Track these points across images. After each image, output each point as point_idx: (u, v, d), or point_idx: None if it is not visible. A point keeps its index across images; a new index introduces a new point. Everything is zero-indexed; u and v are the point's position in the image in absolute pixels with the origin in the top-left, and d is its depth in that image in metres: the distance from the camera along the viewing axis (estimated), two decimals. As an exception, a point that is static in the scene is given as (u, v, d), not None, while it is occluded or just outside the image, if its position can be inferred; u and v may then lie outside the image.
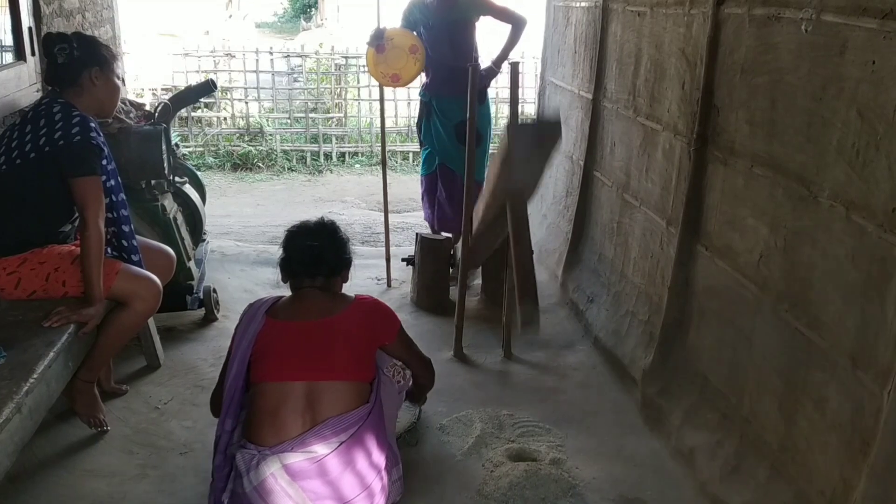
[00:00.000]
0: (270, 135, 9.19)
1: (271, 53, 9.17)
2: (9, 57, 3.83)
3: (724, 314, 3.00)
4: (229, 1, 11.63)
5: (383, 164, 5.01)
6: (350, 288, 5.00)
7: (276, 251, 5.57)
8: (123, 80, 4.73)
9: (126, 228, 3.22)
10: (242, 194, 8.42)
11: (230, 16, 11.06)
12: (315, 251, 2.73)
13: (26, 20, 3.84)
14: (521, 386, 3.79)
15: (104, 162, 3.06)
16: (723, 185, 3.02)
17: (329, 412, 2.49)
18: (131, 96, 9.13)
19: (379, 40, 4.51)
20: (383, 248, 5.18)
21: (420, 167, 5.21)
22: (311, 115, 9.31)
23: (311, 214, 6.81)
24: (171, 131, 4.67)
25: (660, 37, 3.56)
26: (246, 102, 9.28)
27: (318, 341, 2.58)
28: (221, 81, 9.25)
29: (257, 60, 9.10)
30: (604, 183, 4.32)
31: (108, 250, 3.24)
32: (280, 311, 2.68)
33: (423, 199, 5.34)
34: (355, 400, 2.55)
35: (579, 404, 3.61)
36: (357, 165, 9.30)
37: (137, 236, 3.54)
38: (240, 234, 7.01)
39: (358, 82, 9.56)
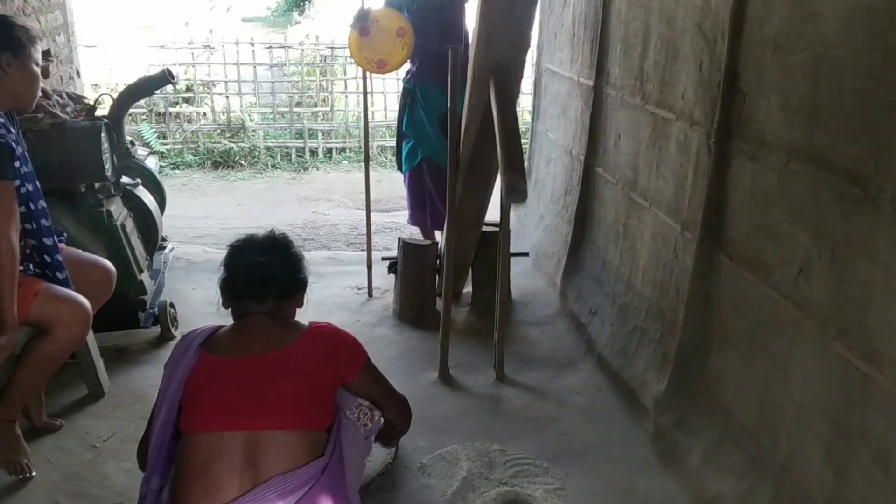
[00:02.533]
0: (253, 131, 8.70)
1: (252, 45, 8.67)
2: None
3: (753, 338, 2.53)
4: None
5: (366, 159, 4.54)
6: (328, 298, 4.59)
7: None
8: (46, 67, 4.25)
9: (48, 241, 2.75)
10: (223, 194, 7.94)
11: (212, 7, 10.57)
12: (263, 268, 2.25)
13: (-55, 1, 3.36)
14: (515, 414, 3.31)
15: (16, 164, 2.58)
16: (751, 184, 2.54)
17: (274, 469, 2.02)
18: (105, 90, 8.67)
19: (363, 22, 4.03)
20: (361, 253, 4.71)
21: (403, 163, 4.72)
22: (295, 109, 8.81)
23: (296, 214, 6.33)
24: (126, 126, 4.21)
25: (672, 11, 3.08)
26: (227, 97, 8.79)
27: (261, 381, 2.10)
28: (201, 75, 8.76)
29: (237, 52, 8.59)
30: (607, 180, 3.84)
31: (30, 267, 2.77)
32: (218, 343, 2.21)
33: (407, 198, 4.86)
34: (307, 452, 2.08)
35: (582, 436, 3.14)
36: (344, 162, 8.81)
37: (70, 248, 3.08)
38: (216, 236, 6.54)
39: (345, 74, 9.07)
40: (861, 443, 2.00)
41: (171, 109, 8.62)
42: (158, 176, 4.39)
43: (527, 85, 8.60)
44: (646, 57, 3.35)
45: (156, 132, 8.49)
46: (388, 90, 8.80)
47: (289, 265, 2.30)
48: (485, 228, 4.16)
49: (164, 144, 8.48)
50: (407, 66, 4.46)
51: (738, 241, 2.62)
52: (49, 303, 2.68)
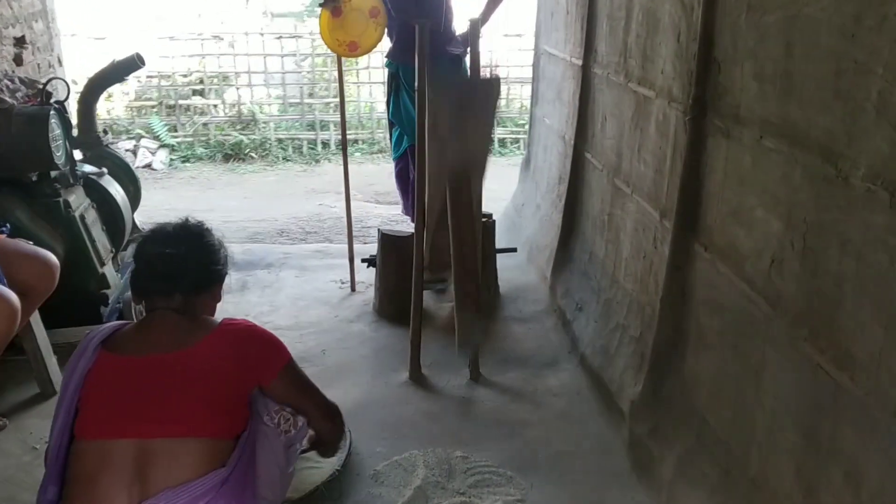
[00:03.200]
0: (265, 123, 8.54)
1: (262, 35, 8.51)
2: None
3: (726, 337, 2.25)
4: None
5: (343, 147, 4.35)
6: (309, 293, 4.37)
7: (239, 250, 4.99)
8: (19, 54, 4.12)
9: None
10: (231, 187, 7.81)
11: (248, 5, 10.43)
12: (169, 261, 2.04)
13: None
14: (485, 417, 3.07)
15: None
16: (725, 165, 2.27)
17: (166, 481, 1.81)
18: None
19: (335, 1, 3.81)
20: (366, 245, 4.50)
21: (392, 151, 4.51)
22: (307, 100, 8.64)
23: (301, 207, 6.13)
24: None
25: (652, -21, 2.81)
26: (237, 88, 8.64)
27: (159, 384, 1.89)
28: (211, 66, 8.63)
29: (247, 43, 8.44)
30: (594, 166, 3.57)
31: None
32: (119, 341, 2.00)
33: (397, 187, 4.65)
34: (206, 463, 1.86)
35: (554, 442, 2.89)
36: (357, 154, 8.61)
37: (9, 240, 2.92)
38: (218, 230, 6.35)
39: (357, 64, 8.86)
40: (832, 458, 1.72)
41: (181, 102, 8.50)
42: (133, 167, 4.20)
43: (526, 71, 8.34)
44: (629, 31, 3.08)
45: (166, 125, 8.38)
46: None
47: (200, 256, 2.08)
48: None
49: (175, 137, 8.38)
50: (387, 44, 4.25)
51: (714, 228, 2.35)
52: None
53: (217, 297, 2.17)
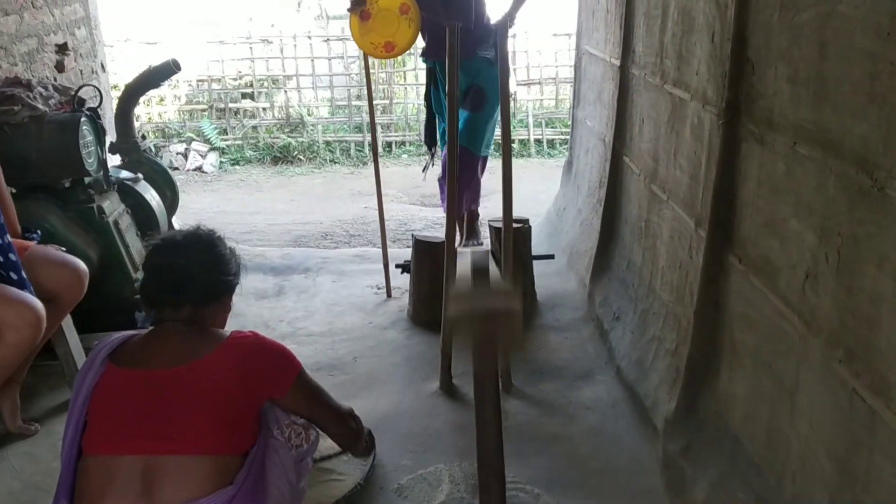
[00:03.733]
0: (312, 125, 8.57)
1: (310, 38, 8.54)
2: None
3: (760, 355, 2.13)
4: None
5: (374, 151, 4.29)
6: (345, 298, 4.33)
7: (279, 254, 4.99)
8: (61, 61, 4.16)
9: (4, 239, 2.59)
10: (279, 189, 7.85)
11: (299, 8, 10.50)
12: (177, 270, 2.01)
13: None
14: (515, 431, 2.97)
15: None
16: (759, 172, 2.14)
17: (173, 499, 1.78)
18: (166, 88, 8.71)
19: (361, 5, 3.75)
20: (408, 250, 4.44)
21: (439, 142, 4.46)
22: (355, 102, 8.64)
23: (346, 209, 6.12)
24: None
25: (687, -25, 2.69)
26: (286, 91, 8.70)
27: (166, 398, 1.86)
28: (260, 70, 8.69)
29: (295, 46, 8.49)
30: (632, 170, 3.45)
31: None
32: (127, 353, 1.97)
33: (439, 182, 4.59)
34: (213, 480, 1.83)
35: (586, 458, 2.78)
36: (404, 156, 8.59)
37: (39, 247, 2.94)
38: (263, 232, 6.44)
39: (404, 66, 8.84)
40: (866, 493, 1.60)
41: (231, 105, 8.58)
42: (170, 170, 4.22)
43: (564, 71, 8.20)
44: (665, 30, 2.96)
45: (217, 128, 8.47)
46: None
47: (209, 266, 2.03)
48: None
49: (225, 140, 8.46)
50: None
51: (748, 240, 2.22)
52: None
53: (227, 308, 2.13)
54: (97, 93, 3.37)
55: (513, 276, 3.21)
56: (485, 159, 4.45)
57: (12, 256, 2.63)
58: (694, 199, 2.61)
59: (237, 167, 8.34)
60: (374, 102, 8.65)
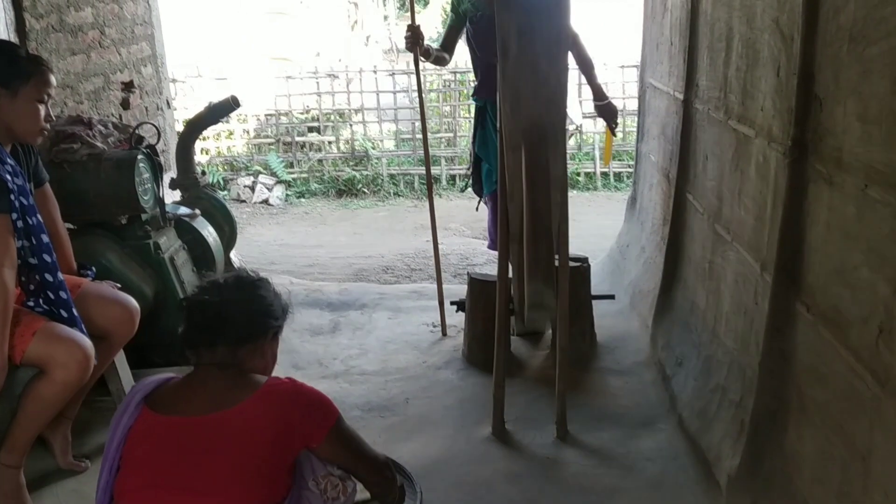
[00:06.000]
0: (377, 158, 8.61)
1: (375, 72, 8.60)
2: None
3: (830, 413, 1.97)
4: (354, 23, 11.24)
5: (429, 185, 4.25)
6: (399, 336, 4.24)
7: (336, 290, 4.96)
8: (126, 98, 4.23)
9: (50, 278, 2.61)
10: (343, 222, 7.89)
11: (363, 39, 10.67)
12: (210, 307, 1.96)
13: (3, 35, 3.37)
14: (570, 482, 2.84)
15: (11, 197, 2.45)
16: (828, 215, 1.99)
17: None
18: (235, 123, 8.88)
19: (417, 43, 3.78)
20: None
21: (483, 185, 4.40)
22: (419, 135, 8.66)
23: (408, 243, 6.12)
24: (193, 154, 4.13)
25: (751, 7, 2.56)
26: (350, 125, 8.77)
27: (198, 447, 1.81)
28: (326, 104, 8.79)
29: (360, 80, 8.56)
30: (696, 209, 3.30)
31: (39, 303, 2.65)
32: (163, 398, 1.92)
33: (489, 223, 4.54)
34: None
35: (644, 514, 2.63)
36: (469, 189, 8.53)
37: (93, 283, 2.96)
38: (324, 265, 6.46)
39: (469, 99, 8.81)
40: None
41: (298, 139, 8.69)
42: (229, 207, 4.23)
43: (632, 103, 8.04)
44: (729, 63, 2.83)
45: (283, 162, 8.58)
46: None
47: (243, 304, 1.97)
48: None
49: (291, 173, 8.56)
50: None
51: (816, 287, 2.07)
52: (46, 342, 2.54)
53: (266, 352, 2.03)
54: (155, 130, 3.40)
55: (567, 316, 3.07)
56: None
57: (63, 294, 2.64)
58: (759, 241, 2.47)
59: (302, 200, 8.42)
60: (439, 135, 8.73)
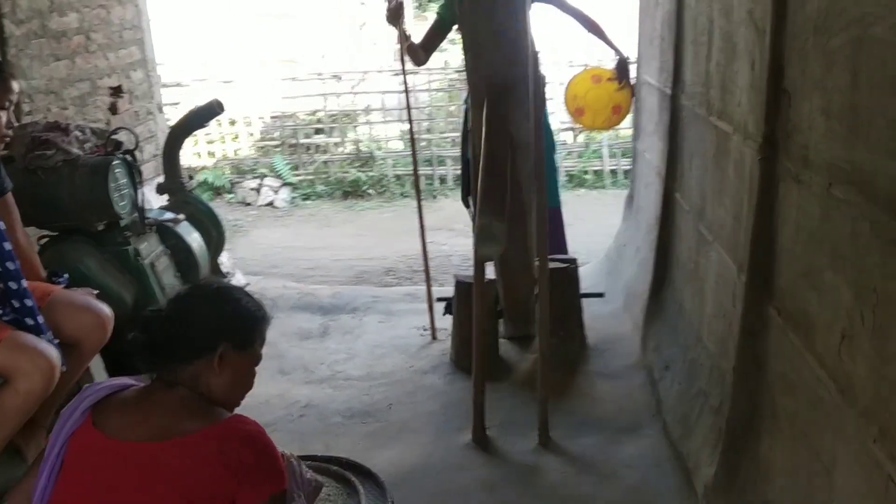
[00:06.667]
0: (382, 159, 8.56)
1: (380, 72, 8.56)
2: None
3: (797, 422, 1.88)
4: (362, 24, 11.19)
5: (416, 185, 4.19)
6: (389, 340, 4.12)
7: (329, 293, 4.91)
8: (114, 103, 4.21)
9: (14, 285, 2.56)
10: (347, 224, 7.84)
11: (371, 40, 10.60)
12: (153, 320, 1.88)
13: (-22, 41, 3.36)
14: (548, 490, 2.76)
15: None
16: (797, 215, 1.91)
17: None
18: (241, 125, 8.87)
19: (397, 19, 3.75)
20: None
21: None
22: (424, 135, 8.60)
23: (411, 245, 6.06)
24: (179, 159, 4.09)
25: (728, -1, 2.47)
26: (355, 127, 8.73)
27: (130, 479, 1.65)
28: (331, 105, 8.75)
29: (363, 81, 8.52)
30: (683, 208, 3.21)
31: (5, 310, 2.61)
32: (109, 412, 1.76)
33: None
34: None
35: (620, 524, 2.55)
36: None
37: (64, 291, 2.91)
38: (326, 268, 6.41)
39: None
40: None
41: (303, 141, 8.66)
42: (216, 211, 4.18)
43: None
44: (710, 57, 2.74)
45: (289, 164, 8.56)
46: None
47: (190, 317, 1.81)
48: (552, 265, 3.63)
49: (297, 175, 8.53)
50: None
51: (786, 291, 1.98)
52: (10, 351, 2.49)
53: (223, 371, 1.78)
54: (131, 136, 3.36)
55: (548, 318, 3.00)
56: (557, 211, 4.24)
57: (28, 302, 2.60)
58: (737, 242, 2.38)
59: (308, 202, 8.38)
60: (445, 135, 8.66)
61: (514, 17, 2.71)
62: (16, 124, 2.66)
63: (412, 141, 4.11)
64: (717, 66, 2.64)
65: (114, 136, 3.32)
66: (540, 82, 3.16)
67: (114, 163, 3.17)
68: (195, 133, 4.63)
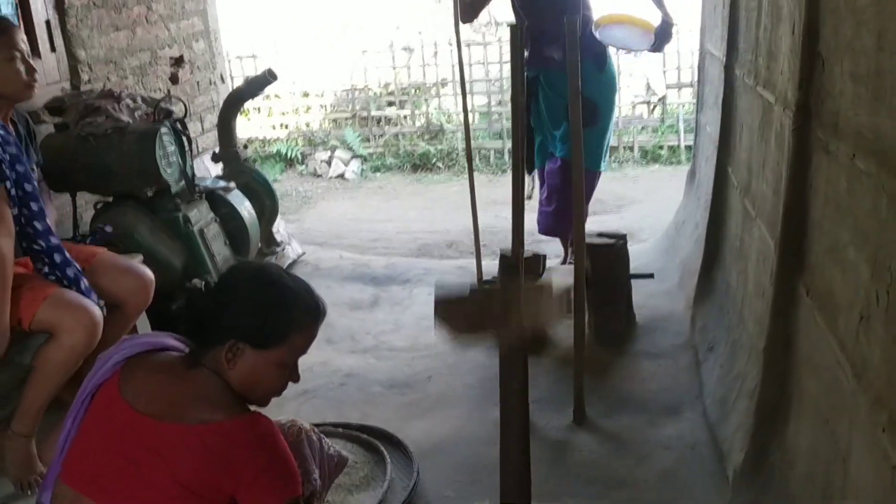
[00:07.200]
0: (452, 132, 8.52)
1: (450, 44, 8.47)
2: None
3: (819, 407, 1.77)
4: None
5: (469, 160, 4.12)
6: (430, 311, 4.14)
7: (383, 264, 4.93)
8: (175, 73, 4.28)
9: (43, 243, 2.62)
10: (415, 197, 7.84)
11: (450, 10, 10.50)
12: (193, 297, 1.85)
13: (41, 12, 3.46)
14: (577, 469, 2.71)
15: (3, 167, 2.48)
16: (826, 188, 1.79)
17: None
18: (313, 98, 8.96)
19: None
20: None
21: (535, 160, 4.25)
22: (494, 108, 8.50)
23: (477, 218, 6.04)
24: (234, 128, 4.15)
25: (775, -40, 2.33)
26: (426, 100, 8.70)
27: (137, 453, 1.63)
28: (401, 78, 8.74)
29: (436, 53, 8.47)
30: (732, 183, 3.08)
31: (45, 267, 2.69)
32: (139, 372, 1.73)
33: (540, 203, 4.38)
34: None
35: (648, 507, 2.48)
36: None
37: (108, 253, 3.00)
38: (389, 240, 6.43)
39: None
40: None
41: (374, 113, 8.70)
42: (270, 181, 4.25)
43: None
44: (760, 23, 2.59)
45: (360, 136, 8.61)
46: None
47: (217, 299, 1.76)
48: (600, 241, 3.55)
49: (367, 148, 8.58)
50: None
51: (815, 268, 1.87)
52: (54, 308, 2.58)
53: (234, 367, 1.71)
54: (182, 104, 3.42)
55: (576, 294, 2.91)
56: (595, 173, 4.18)
57: (58, 257, 2.65)
58: (775, 217, 2.25)
59: (378, 175, 8.43)
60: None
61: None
62: (36, 72, 2.69)
63: (465, 114, 4.05)
64: (764, 31, 2.50)
65: (163, 105, 3.38)
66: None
67: (161, 130, 3.24)
68: (252, 100, 4.68)
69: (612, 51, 4.12)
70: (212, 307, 1.76)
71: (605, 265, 3.49)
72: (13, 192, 2.51)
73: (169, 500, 1.59)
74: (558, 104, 3.87)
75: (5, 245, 2.46)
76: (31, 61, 2.67)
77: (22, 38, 2.66)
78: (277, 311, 1.72)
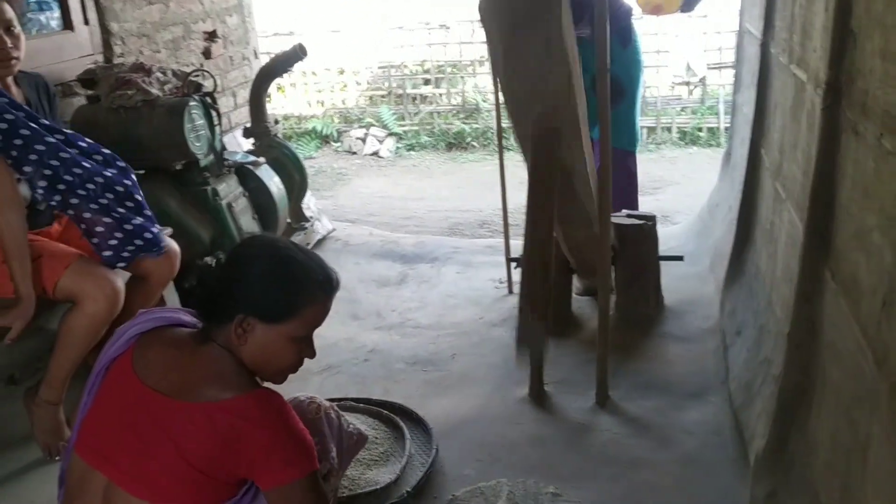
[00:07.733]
0: (487, 111, 8.46)
1: (487, 22, 8.41)
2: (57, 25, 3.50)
3: (841, 394, 1.73)
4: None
5: (499, 136, 4.10)
6: (463, 291, 4.12)
7: (412, 242, 4.92)
8: (208, 48, 4.29)
9: (79, 170, 2.58)
10: (448, 175, 7.82)
11: None
12: (206, 272, 1.83)
13: (76, -15, 3.49)
14: (597, 450, 2.69)
15: (22, 127, 2.47)
16: (853, 170, 1.73)
17: None
18: (349, 75, 8.97)
19: None
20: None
21: None
22: (531, 88, 8.43)
23: (510, 198, 6.08)
24: (265, 103, 4.15)
25: (812, -68, 2.25)
26: (462, 77, 8.65)
27: (148, 429, 1.63)
28: (437, 56, 8.69)
29: (473, 31, 8.40)
30: (765, 164, 3.00)
31: (95, 200, 2.67)
32: (153, 346, 1.74)
33: None
34: None
35: (667, 491, 2.45)
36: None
37: (137, 219, 3.01)
38: (421, 218, 6.44)
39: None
40: None
41: (409, 91, 8.67)
42: (300, 157, 4.26)
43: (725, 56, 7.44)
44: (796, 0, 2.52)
45: (395, 114, 8.60)
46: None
47: (227, 273, 1.76)
48: (627, 222, 3.50)
49: (402, 126, 8.57)
50: None
51: (841, 252, 1.81)
52: (77, 276, 2.61)
53: (243, 342, 1.69)
54: (212, 78, 3.43)
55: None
56: (626, 152, 4.13)
57: (108, 195, 2.66)
58: (804, 199, 2.19)
59: (412, 153, 8.42)
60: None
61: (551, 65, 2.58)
62: (20, 40, 2.68)
63: (496, 94, 4.02)
64: (799, 7, 2.43)
65: (193, 78, 3.39)
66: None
67: (190, 104, 3.25)
68: (283, 76, 4.68)
69: (637, 27, 4.06)
70: (221, 282, 1.76)
71: (633, 246, 3.46)
72: (31, 157, 2.50)
73: (175, 477, 1.59)
74: (585, 78, 3.81)
75: (12, 217, 2.47)
76: (18, 31, 2.65)
77: (5, 9, 2.62)
78: (286, 283, 1.70)
